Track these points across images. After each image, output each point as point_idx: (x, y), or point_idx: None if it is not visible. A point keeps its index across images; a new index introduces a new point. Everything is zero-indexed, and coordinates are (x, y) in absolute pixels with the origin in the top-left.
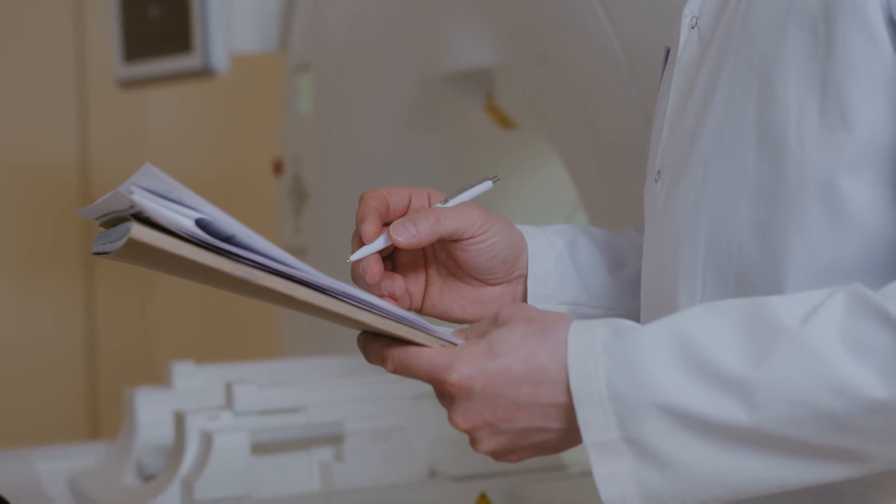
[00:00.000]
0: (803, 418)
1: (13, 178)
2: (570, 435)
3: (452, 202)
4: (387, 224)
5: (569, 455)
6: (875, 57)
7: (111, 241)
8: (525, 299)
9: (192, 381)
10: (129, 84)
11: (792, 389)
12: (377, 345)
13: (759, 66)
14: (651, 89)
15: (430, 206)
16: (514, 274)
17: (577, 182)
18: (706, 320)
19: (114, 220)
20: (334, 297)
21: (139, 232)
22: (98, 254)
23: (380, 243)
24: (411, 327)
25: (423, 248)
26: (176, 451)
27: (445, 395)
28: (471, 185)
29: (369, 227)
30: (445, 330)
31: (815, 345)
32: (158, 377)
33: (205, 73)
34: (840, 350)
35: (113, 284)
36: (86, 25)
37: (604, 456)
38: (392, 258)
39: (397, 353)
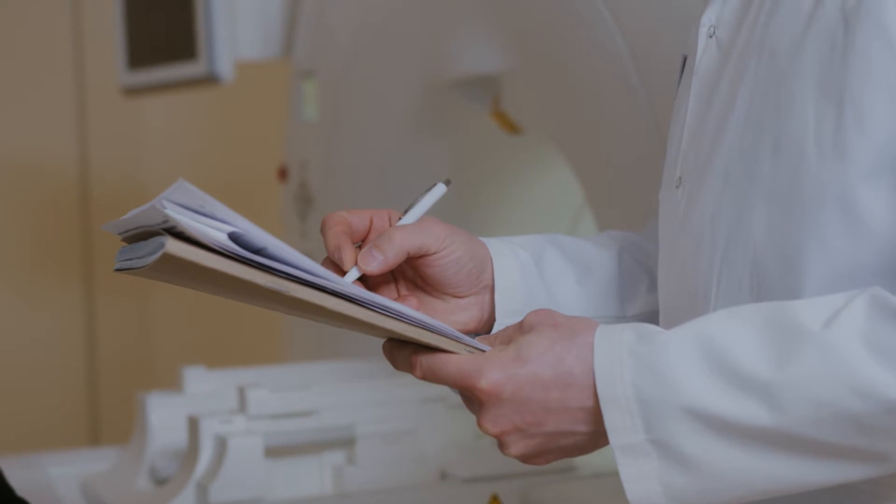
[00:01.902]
0: (825, 420)
1: (13, 184)
2: (597, 438)
3: (410, 214)
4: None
5: (580, 457)
6: (893, 65)
7: (141, 255)
8: (493, 311)
9: (204, 386)
10: (132, 91)
11: (814, 391)
12: (404, 352)
13: (779, 76)
14: (659, 94)
15: (390, 224)
16: (479, 285)
17: (585, 186)
18: (730, 324)
19: (137, 236)
20: (363, 306)
21: (174, 247)
22: (122, 270)
23: (354, 274)
24: (439, 334)
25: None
26: (190, 454)
27: (475, 400)
28: (425, 193)
29: (346, 254)
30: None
31: (838, 347)
32: (159, 381)
33: (209, 79)
34: (862, 353)
35: (112, 289)
36: (84, 30)
37: (630, 458)
38: (363, 278)
39: (426, 359)
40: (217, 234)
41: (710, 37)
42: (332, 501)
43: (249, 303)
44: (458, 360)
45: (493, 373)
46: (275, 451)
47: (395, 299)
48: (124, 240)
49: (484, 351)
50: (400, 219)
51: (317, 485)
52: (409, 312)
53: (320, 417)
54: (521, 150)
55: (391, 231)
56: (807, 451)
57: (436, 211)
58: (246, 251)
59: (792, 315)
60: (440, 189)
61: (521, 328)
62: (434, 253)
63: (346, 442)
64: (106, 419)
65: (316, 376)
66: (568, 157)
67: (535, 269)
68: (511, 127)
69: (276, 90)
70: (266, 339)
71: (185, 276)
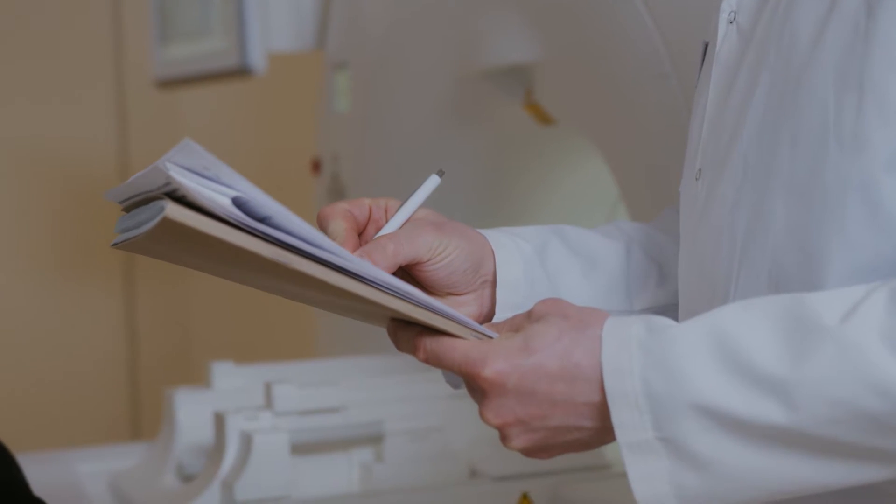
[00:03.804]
0: (842, 418)
1: (55, 180)
2: (603, 433)
3: (403, 210)
4: None
5: (612, 454)
6: None
7: (140, 223)
8: (493, 305)
9: (232, 381)
10: (166, 84)
11: (831, 389)
12: (409, 332)
13: (799, 64)
14: (692, 84)
15: (386, 216)
16: (477, 282)
17: (618, 177)
18: (744, 318)
19: (139, 204)
20: (369, 284)
21: (175, 211)
22: (119, 244)
23: None
24: (446, 318)
25: None
26: (216, 451)
27: (478, 389)
28: (419, 186)
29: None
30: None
31: (856, 344)
32: (199, 377)
33: (242, 72)
34: (881, 349)
35: (152, 285)
36: (124, 27)
37: (638, 456)
38: None
39: (430, 342)
40: (220, 198)
41: (731, 23)
42: (359, 499)
43: (245, 281)
44: (464, 346)
45: (497, 362)
46: (301, 448)
47: None
48: (125, 209)
49: (491, 338)
50: (398, 208)
51: (344, 482)
52: (417, 294)
53: (348, 414)
54: (554, 142)
55: (384, 241)
56: (823, 451)
57: (470, 202)
58: (250, 219)
59: (808, 309)
60: (433, 181)
61: (529, 317)
62: (426, 261)
63: (373, 439)
64: (146, 415)
65: (344, 372)
66: (600, 147)
67: (538, 261)
68: (544, 118)
69: (308, 83)
70: (304, 335)
71: (182, 249)
